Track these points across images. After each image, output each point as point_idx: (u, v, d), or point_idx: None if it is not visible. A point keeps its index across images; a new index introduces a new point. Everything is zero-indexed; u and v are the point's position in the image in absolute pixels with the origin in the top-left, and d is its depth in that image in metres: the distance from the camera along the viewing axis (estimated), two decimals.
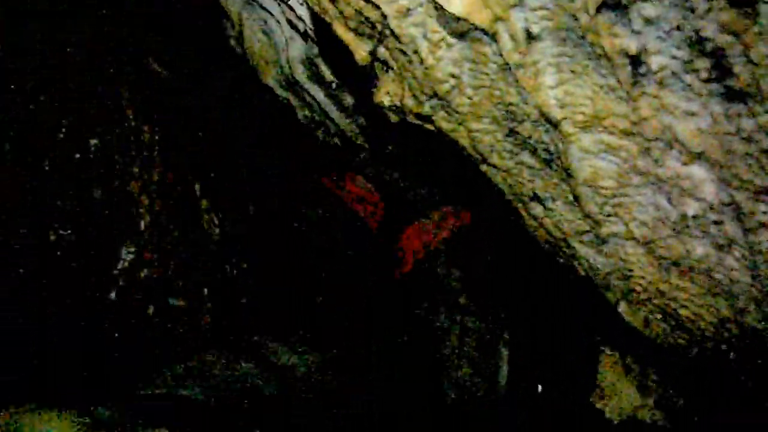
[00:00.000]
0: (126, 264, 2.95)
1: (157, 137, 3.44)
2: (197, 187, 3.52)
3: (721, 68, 1.88)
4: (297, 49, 3.82)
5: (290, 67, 3.81)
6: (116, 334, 2.88)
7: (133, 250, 2.97)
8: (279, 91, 3.93)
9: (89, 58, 3.06)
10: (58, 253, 2.73)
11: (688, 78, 1.96)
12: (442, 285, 3.39)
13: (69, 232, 2.84)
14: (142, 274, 3.05)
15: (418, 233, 3.59)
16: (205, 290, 3.32)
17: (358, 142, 3.96)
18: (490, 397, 3.29)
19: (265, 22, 3.97)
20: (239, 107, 4.33)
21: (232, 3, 3.92)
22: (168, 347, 3.13)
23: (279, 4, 3.70)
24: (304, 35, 3.82)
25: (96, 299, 2.85)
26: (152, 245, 3.11)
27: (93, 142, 2.98)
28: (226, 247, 3.52)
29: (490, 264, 3.60)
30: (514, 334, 3.43)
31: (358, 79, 3.26)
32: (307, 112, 3.91)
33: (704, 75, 1.93)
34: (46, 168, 2.80)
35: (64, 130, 2.97)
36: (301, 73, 3.84)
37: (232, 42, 4.18)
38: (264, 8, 3.90)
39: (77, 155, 2.93)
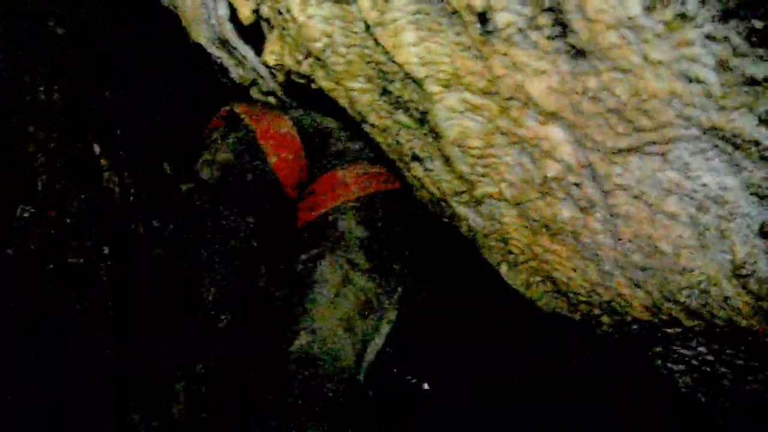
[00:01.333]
0: (23, 222, 2.91)
1: (55, 97, 3.37)
2: (96, 147, 3.45)
3: (562, 24, 1.83)
4: (223, 7, 3.73)
5: (219, 26, 3.72)
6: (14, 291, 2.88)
7: (29, 208, 2.94)
8: (212, 50, 3.84)
9: None
10: None
11: (534, 35, 1.91)
12: (339, 239, 3.25)
13: None
14: (39, 232, 3.01)
15: (331, 185, 3.43)
16: (105, 249, 3.28)
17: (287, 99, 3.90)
18: (343, 373, 3.02)
19: None
20: (166, 66, 4.24)
21: None
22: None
23: None
24: None
25: None
26: (50, 204, 3.06)
27: None
28: (130, 206, 3.47)
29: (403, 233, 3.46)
30: (404, 313, 3.22)
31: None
32: (241, 71, 3.83)
33: (548, 32, 1.88)
34: None
35: None
36: (229, 31, 3.75)
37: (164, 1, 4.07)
38: None
39: None
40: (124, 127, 3.73)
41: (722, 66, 1.59)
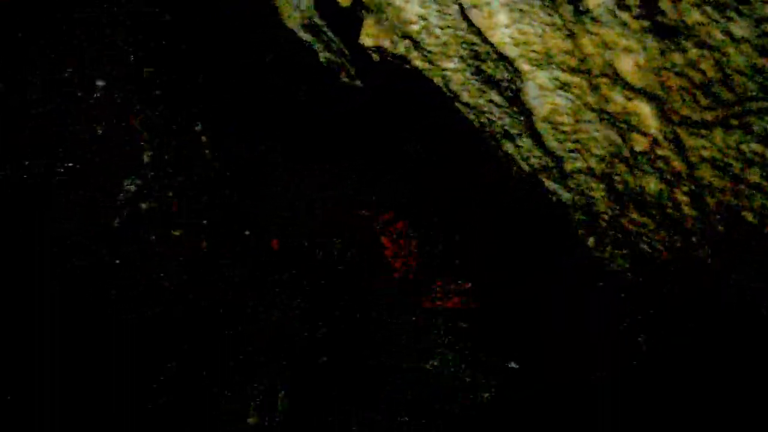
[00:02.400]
0: (129, 194, 3.10)
1: (157, 78, 3.60)
2: (199, 125, 3.68)
3: (649, 4, 1.94)
4: None
5: (309, 11, 3.91)
6: (117, 261, 3.07)
7: (136, 182, 3.14)
8: (301, 34, 4.04)
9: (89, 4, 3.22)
10: (66, 181, 2.90)
11: (623, 15, 2.02)
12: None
13: (73, 164, 3.01)
14: (145, 205, 3.22)
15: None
16: (204, 221, 3.50)
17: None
18: None
19: None
20: (257, 49, 4.44)
21: None
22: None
23: None
24: None
25: (101, 226, 3.04)
26: (154, 178, 3.26)
27: (99, 84, 3.14)
28: (226, 180, 3.68)
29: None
30: None
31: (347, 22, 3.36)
32: (328, 54, 4.02)
33: (636, 11, 1.99)
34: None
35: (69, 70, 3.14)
36: (318, 17, 3.94)
37: None
38: None
39: (80, 93, 3.11)
40: (218, 109, 3.96)
41: None
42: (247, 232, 3.61)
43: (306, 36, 4.09)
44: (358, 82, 4.09)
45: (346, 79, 4.20)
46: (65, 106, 3.26)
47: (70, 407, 2.81)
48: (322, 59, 4.17)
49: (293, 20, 4.03)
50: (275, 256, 3.58)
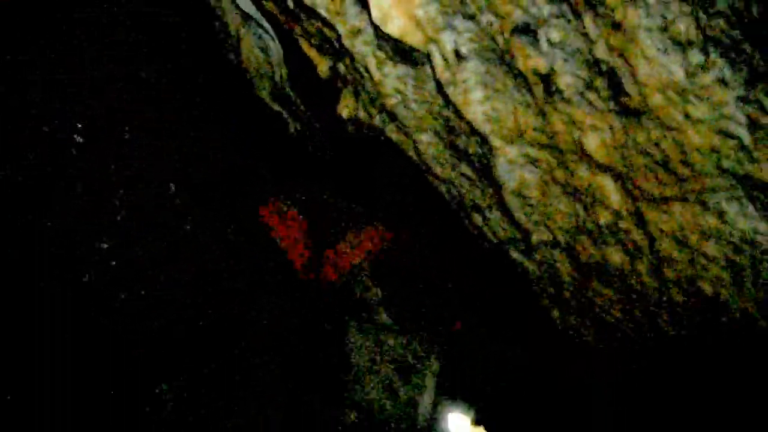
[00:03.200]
0: (103, 253, 3.16)
1: (137, 140, 3.70)
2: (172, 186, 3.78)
3: (615, 87, 2.11)
4: (283, 68, 4.07)
5: (282, 83, 4.06)
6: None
7: (108, 240, 3.20)
8: (272, 105, 4.17)
9: (85, 65, 3.32)
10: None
11: (591, 96, 2.18)
12: (359, 303, 3.27)
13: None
14: (114, 264, 3.27)
15: (339, 255, 3.46)
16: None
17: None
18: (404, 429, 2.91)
19: (260, 37, 4.24)
20: (230, 115, 4.56)
21: (231, 19, 4.18)
22: None
23: (271, 23, 3.95)
24: None
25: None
26: (127, 236, 3.32)
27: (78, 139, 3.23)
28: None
29: (419, 283, 3.53)
30: (443, 360, 3.18)
31: (325, 94, 3.50)
32: (298, 125, 4.15)
33: (603, 93, 2.15)
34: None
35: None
36: (290, 89, 4.09)
37: (230, 55, 4.43)
38: (260, 25, 4.16)
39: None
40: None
41: (754, 124, 1.85)
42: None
43: (276, 107, 4.23)
44: (327, 153, 4.23)
45: (310, 149, 4.34)
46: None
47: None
48: (291, 129, 4.30)
49: (265, 92, 4.17)
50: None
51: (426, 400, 3.08)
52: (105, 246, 3.15)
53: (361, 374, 3.02)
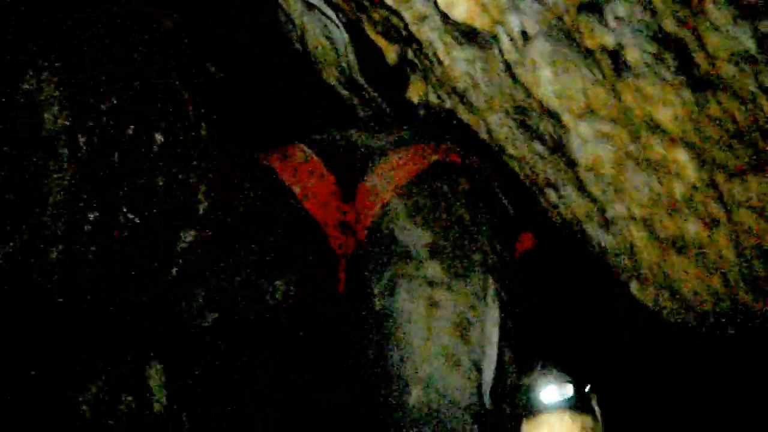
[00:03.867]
0: (185, 244, 3.22)
1: (214, 133, 3.77)
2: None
3: (685, 60, 2.10)
4: (352, 53, 4.11)
5: (350, 69, 4.11)
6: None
7: (192, 233, 3.27)
8: (341, 90, 4.22)
9: (152, 61, 3.39)
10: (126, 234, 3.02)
11: (660, 69, 2.18)
12: (399, 252, 2.73)
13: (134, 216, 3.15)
14: (200, 253, 3.33)
15: (369, 190, 2.86)
16: None
17: None
18: (467, 413, 2.53)
19: (326, 26, 4.30)
20: (298, 103, 4.62)
21: (294, 10, 4.25)
22: None
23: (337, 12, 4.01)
24: None
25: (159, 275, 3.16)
26: (209, 228, 3.36)
27: (158, 137, 3.31)
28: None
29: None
30: (507, 312, 2.64)
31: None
32: (368, 111, 4.19)
33: (673, 66, 2.15)
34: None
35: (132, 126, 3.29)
36: (359, 75, 4.14)
37: (296, 44, 4.49)
38: (324, 13, 4.22)
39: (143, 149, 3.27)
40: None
41: None
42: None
43: (346, 93, 4.28)
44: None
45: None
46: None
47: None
48: (360, 114, 4.35)
49: (334, 78, 4.23)
50: None
51: (489, 361, 2.57)
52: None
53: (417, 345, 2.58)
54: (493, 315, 2.59)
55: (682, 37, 2.04)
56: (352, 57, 4.04)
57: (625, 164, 2.56)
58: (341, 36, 4.05)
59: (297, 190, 2.87)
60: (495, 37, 2.49)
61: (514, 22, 2.41)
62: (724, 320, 2.74)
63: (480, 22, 2.46)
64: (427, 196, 2.77)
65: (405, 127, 3.10)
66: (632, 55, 2.17)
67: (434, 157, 2.81)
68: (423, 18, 2.69)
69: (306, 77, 4.51)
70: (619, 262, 2.95)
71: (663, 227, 2.62)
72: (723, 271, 2.56)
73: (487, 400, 2.59)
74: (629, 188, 2.64)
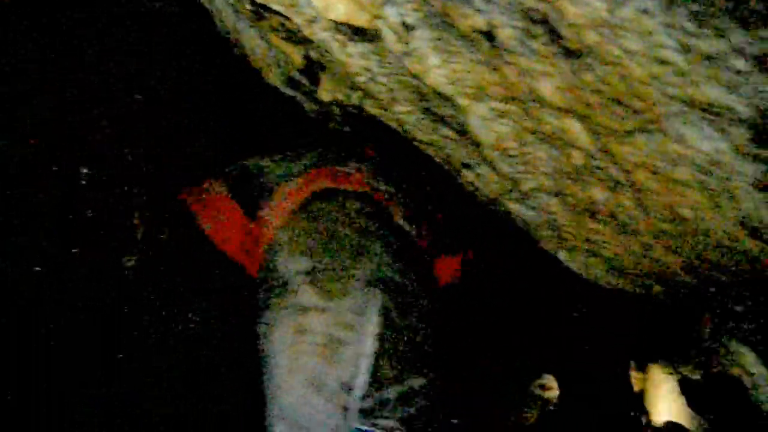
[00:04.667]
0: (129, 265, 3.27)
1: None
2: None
3: (552, 32, 2.11)
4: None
5: (287, 69, 4.09)
6: None
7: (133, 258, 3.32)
8: (284, 89, 4.19)
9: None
10: None
11: (533, 44, 2.19)
12: (282, 282, 2.72)
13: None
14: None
15: (262, 223, 2.87)
16: None
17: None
18: (335, 426, 2.44)
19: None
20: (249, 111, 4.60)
21: (226, 15, 4.22)
22: None
23: None
24: None
25: None
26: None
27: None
28: None
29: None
30: (392, 323, 2.59)
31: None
32: (314, 106, 4.18)
33: (543, 39, 2.15)
34: None
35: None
36: (298, 73, 4.12)
37: (235, 50, 4.45)
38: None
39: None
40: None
41: (683, 48, 1.84)
42: None
43: (289, 91, 4.26)
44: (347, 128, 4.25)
45: (335, 126, 4.37)
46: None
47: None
48: (307, 109, 4.33)
49: (275, 78, 4.21)
50: None
51: (361, 377, 2.45)
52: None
53: (282, 379, 2.46)
54: (371, 328, 2.50)
55: (545, 11, 2.04)
56: (281, 56, 4.03)
57: (526, 139, 2.57)
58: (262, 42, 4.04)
59: (209, 228, 2.86)
60: (377, 32, 2.49)
61: (393, 15, 2.41)
62: (649, 281, 2.76)
63: (361, 20, 2.47)
64: (309, 222, 2.76)
65: (320, 149, 3.13)
66: (504, 34, 2.17)
67: (324, 183, 2.85)
68: (312, 20, 2.69)
69: (251, 83, 4.47)
70: (543, 234, 2.97)
71: (572, 195, 2.64)
72: (635, 231, 2.58)
73: (354, 418, 2.47)
74: (535, 161, 2.65)
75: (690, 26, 1.76)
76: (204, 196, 2.92)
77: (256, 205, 2.88)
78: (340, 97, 2.95)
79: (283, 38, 3.08)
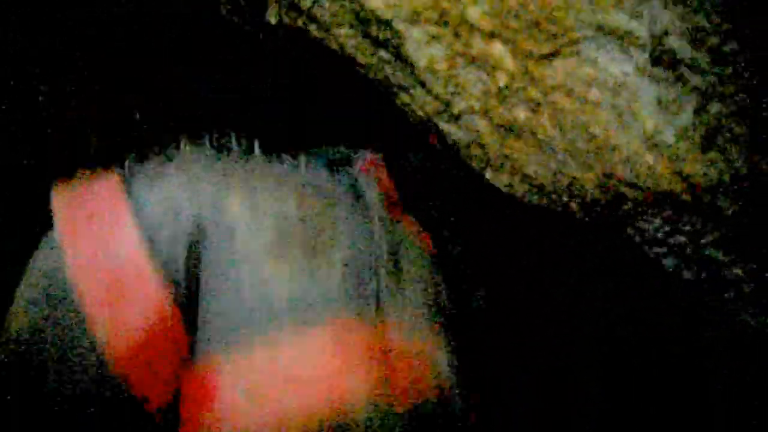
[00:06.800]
0: None
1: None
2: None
3: None
4: None
5: None
6: None
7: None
8: (230, 17, 4.27)
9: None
10: None
11: None
12: None
13: None
14: None
15: None
16: None
17: None
18: None
19: None
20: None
21: None
22: None
23: None
24: None
25: None
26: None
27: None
28: None
29: None
30: None
31: None
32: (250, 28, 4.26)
33: None
34: None
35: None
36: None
37: None
38: None
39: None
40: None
41: None
42: None
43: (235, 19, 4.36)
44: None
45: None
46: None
47: None
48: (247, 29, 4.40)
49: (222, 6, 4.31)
50: None
51: None
52: None
53: None
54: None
55: None
56: None
57: (457, 61, 2.79)
58: None
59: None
60: None
61: None
62: (566, 198, 3.02)
63: None
64: None
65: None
66: None
67: None
68: None
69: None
70: (470, 153, 3.21)
71: (498, 116, 2.87)
72: (553, 148, 2.83)
73: None
74: (464, 83, 2.87)
75: None
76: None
77: None
78: (286, 20, 3.12)
79: None
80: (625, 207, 2.85)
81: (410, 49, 2.76)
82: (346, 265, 1.86)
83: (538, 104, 2.59)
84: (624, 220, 3.01)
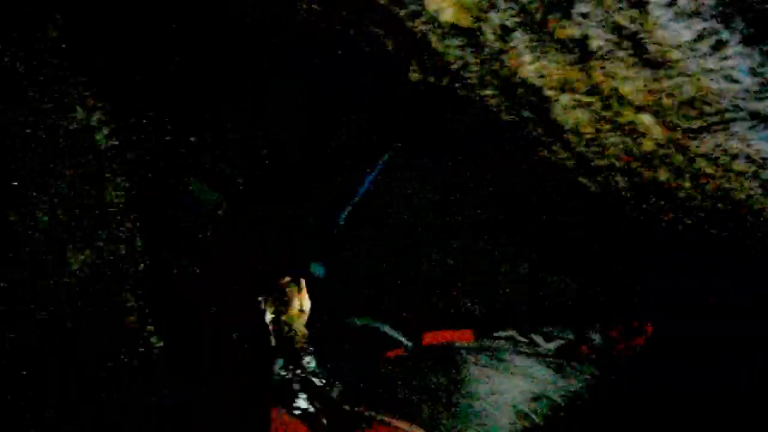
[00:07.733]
0: None
1: None
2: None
3: (639, 46, 2.55)
4: None
5: None
6: None
7: None
8: None
9: None
10: None
11: (620, 53, 2.63)
12: None
13: None
14: None
15: None
16: None
17: None
18: None
19: None
20: None
21: None
22: None
23: None
24: None
25: None
26: None
27: None
28: None
29: None
30: None
31: None
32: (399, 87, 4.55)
33: (630, 51, 2.60)
34: None
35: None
36: None
37: None
38: None
39: None
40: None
41: (753, 72, 2.29)
42: None
43: None
44: None
45: None
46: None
47: None
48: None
49: None
50: None
51: None
52: None
53: None
54: None
55: (635, 29, 2.48)
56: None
57: (603, 126, 3.03)
58: None
59: None
60: (480, 30, 2.93)
61: (494, 18, 2.84)
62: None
63: (466, 22, 2.90)
64: None
65: None
66: (596, 43, 2.61)
67: None
68: (416, 14, 3.12)
69: None
70: (603, 202, 3.45)
71: (639, 176, 3.11)
72: (692, 207, 3.05)
73: None
74: (608, 144, 3.11)
75: (758, 58, 2.21)
76: None
77: None
78: (431, 79, 3.40)
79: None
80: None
81: (557, 112, 3.01)
82: None
83: (681, 168, 2.81)
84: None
